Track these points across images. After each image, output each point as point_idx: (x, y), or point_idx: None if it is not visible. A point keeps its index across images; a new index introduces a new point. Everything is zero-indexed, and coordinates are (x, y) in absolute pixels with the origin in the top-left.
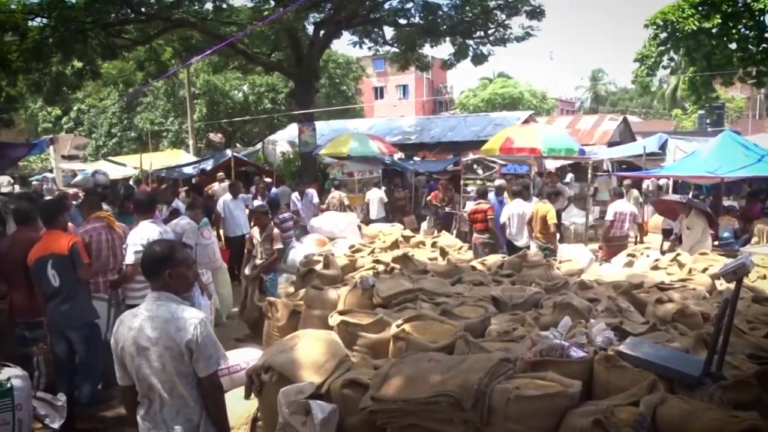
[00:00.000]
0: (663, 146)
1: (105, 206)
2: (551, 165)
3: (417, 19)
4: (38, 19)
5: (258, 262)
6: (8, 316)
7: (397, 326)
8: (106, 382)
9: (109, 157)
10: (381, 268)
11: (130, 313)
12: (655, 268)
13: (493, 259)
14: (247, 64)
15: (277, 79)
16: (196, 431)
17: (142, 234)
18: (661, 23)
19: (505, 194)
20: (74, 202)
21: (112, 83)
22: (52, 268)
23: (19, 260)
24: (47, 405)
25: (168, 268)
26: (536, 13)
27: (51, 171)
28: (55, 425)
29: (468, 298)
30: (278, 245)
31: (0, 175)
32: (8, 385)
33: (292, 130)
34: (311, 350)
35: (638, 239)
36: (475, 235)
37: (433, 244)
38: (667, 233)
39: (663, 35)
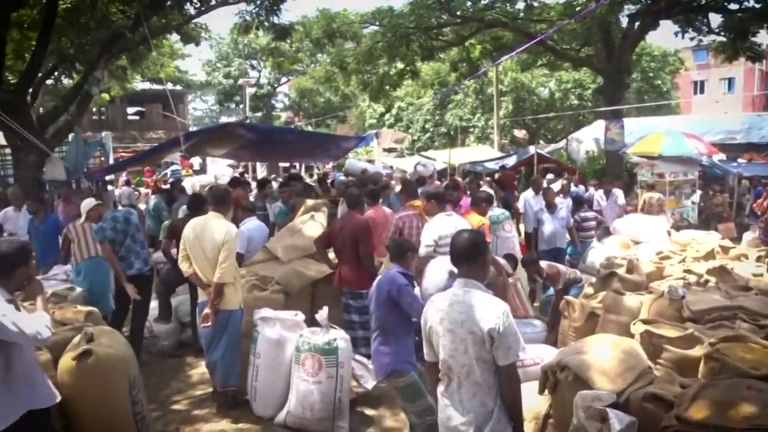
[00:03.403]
0: None
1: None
2: None
3: (752, 3)
4: (371, 27)
5: None
6: (337, 285)
7: (711, 345)
8: None
9: (422, 152)
10: (693, 279)
11: (440, 296)
12: None
13: None
14: (555, 60)
15: (584, 74)
16: (489, 416)
17: (435, 228)
18: None
19: None
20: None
21: (429, 84)
22: None
23: (348, 238)
24: (363, 367)
25: (482, 256)
26: None
27: (373, 161)
28: (368, 386)
29: None
30: (559, 285)
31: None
32: (335, 345)
33: (598, 127)
34: (610, 356)
35: None
36: None
37: (758, 258)
38: None
39: None
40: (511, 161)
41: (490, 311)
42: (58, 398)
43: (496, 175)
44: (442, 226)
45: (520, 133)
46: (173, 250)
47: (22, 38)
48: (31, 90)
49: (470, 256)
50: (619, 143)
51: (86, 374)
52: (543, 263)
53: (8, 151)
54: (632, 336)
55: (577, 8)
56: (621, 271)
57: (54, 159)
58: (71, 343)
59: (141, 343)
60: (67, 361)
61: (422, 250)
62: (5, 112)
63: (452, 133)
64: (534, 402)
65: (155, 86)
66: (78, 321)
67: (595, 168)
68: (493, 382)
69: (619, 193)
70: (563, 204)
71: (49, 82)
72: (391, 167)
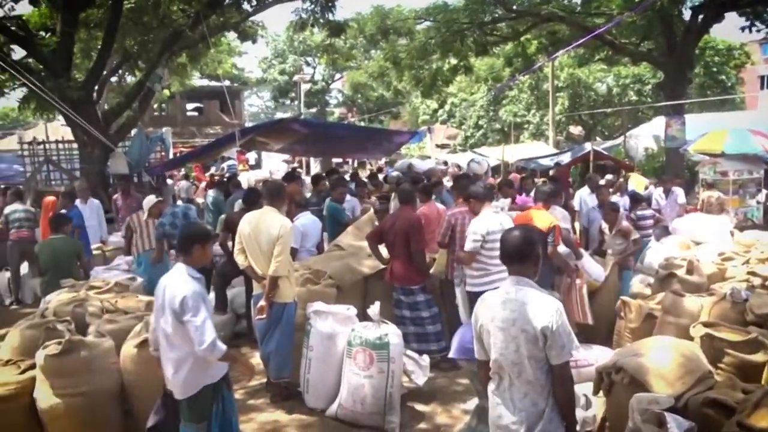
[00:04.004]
0: None
1: None
2: None
3: None
4: (425, 23)
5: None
6: (388, 281)
7: None
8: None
9: (475, 149)
10: (757, 281)
11: (491, 294)
12: None
13: None
14: (613, 55)
15: (644, 69)
16: (541, 416)
17: (482, 223)
18: None
19: None
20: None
21: (483, 79)
22: None
23: (400, 234)
24: (414, 363)
25: (535, 253)
26: None
27: (429, 157)
28: (420, 382)
29: None
30: (634, 236)
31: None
32: (386, 340)
33: (657, 124)
34: (668, 359)
35: None
36: None
37: None
38: None
39: None
40: (566, 158)
41: (543, 309)
42: (227, 368)
43: (551, 172)
44: (490, 221)
45: (575, 130)
46: (229, 243)
47: (88, 38)
48: (96, 87)
49: (523, 253)
50: (680, 140)
51: (146, 361)
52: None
53: (75, 146)
54: (692, 339)
55: (638, 0)
56: (681, 272)
57: (118, 153)
58: (133, 331)
59: None
60: (129, 348)
61: (469, 245)
62: (73, 108)
63: (506, 129)
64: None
65: (213, 83)
66: (139, 310)
67: (654, 166)
68: (546, 381)
69: (679, 192)
70: (618, 203)
71: (113, 79)
72: (445, 162)
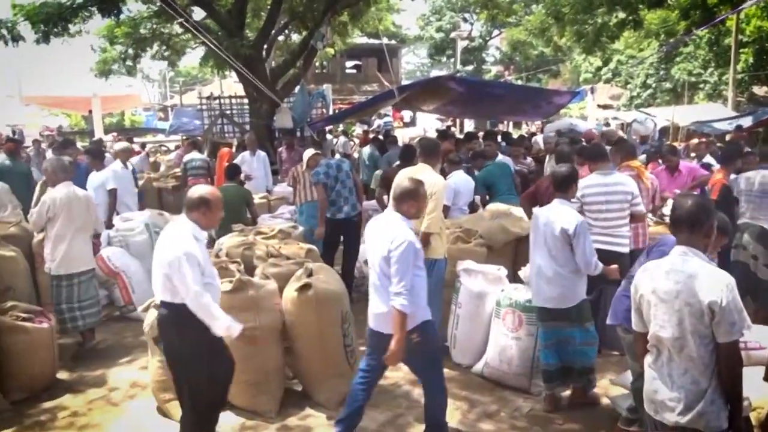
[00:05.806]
0: None
1: None
2: None
3: None
4: None
5: None
6: None
7: None
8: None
9: (641, 108)
10: None
11: (654, 263)
12: None
13: None
14: None
15: None
16: (701, 396)
17: (580, 185)
18: None
19: None
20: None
21: (654, 34)
22: None
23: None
24: None
25: (708, 222)
26: None
27: (585, 118)
28: None
29: None
30: None
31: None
32: None
33: None
34: None
35: None
36: None
37: None
38: None
39: None
40: (747, 122)
41: (711, 282)
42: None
43: (727, 137)
44: (590, 182)
45: (760, 91)
46: (385, 198)
47: None
48: (265, 46)
49: (693, 221)
50: None
51: (306, 304)
52: None
53: (246, 101)
54: None
55: None
56: None
57: (283, 109)
58: (294, 275)
59: (352, 283)
60: (290, 291)
61: None
62: (245, 66)
63: (678, 89)
64: (757, 390)
65: (372, 40)
66: (300, 256)
67: None
68: (710, 359)
69: None
70: None
71: (280, 38)
72: (608, 124)
